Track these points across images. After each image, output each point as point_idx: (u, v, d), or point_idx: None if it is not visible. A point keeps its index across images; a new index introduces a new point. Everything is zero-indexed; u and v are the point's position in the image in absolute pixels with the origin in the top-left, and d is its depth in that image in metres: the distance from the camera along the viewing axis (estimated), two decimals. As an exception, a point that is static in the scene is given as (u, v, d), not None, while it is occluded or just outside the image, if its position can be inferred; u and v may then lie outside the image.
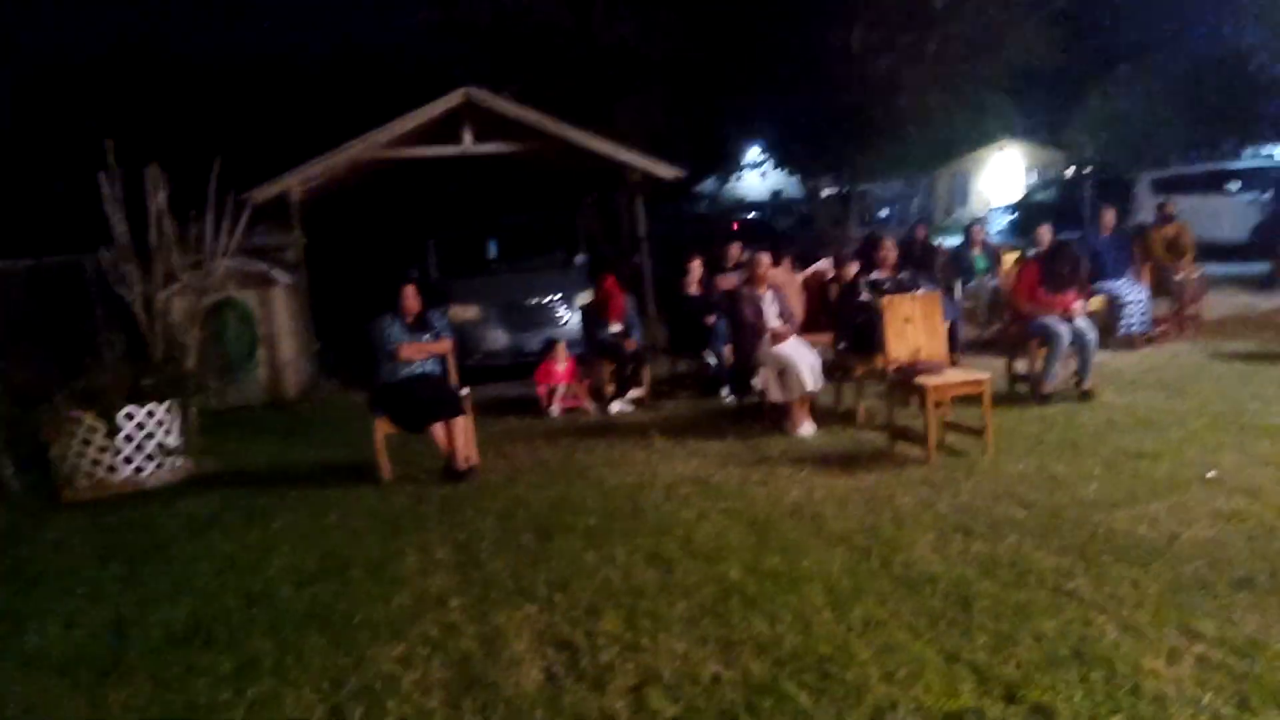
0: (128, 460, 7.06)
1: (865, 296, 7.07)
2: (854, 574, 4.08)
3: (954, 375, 5.99)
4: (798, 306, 8.04)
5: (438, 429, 6.30)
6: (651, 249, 11.86)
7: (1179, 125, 31.35)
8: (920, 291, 6.91)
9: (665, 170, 11.16)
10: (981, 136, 36.29)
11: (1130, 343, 9.13)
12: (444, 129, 10.67)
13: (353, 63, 15.80)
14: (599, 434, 7.32)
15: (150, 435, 7.18)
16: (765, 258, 7.26)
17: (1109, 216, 9.74)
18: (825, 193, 24.01)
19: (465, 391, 6.78)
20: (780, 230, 25.76)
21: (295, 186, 10.24)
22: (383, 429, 6.46)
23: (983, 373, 6.06)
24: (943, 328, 6.34)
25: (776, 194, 42.66)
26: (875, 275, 7.32)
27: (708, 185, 36.35)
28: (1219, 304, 11.14)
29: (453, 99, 10.35)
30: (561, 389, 8.40)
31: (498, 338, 10.46)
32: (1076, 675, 3.07)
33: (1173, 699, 2.90)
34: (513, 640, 3.75)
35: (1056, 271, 7.17)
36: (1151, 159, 27.54)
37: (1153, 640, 3.27)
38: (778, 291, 7.26)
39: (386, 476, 6.40)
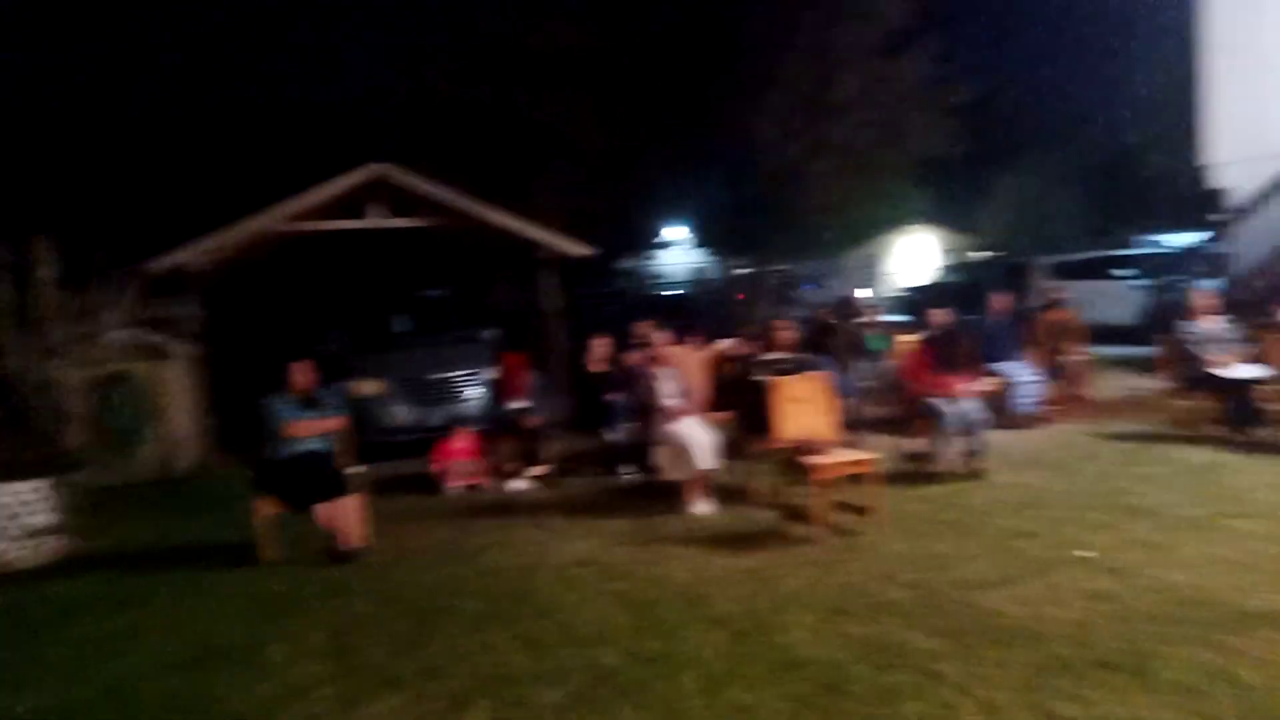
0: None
1: (760, 376, 7.15)
2: (730, 658, 4.06)
3: (841, 455, 6.08)
4: (701, 385, 8.11)
5: (322, 509, 6.14)
6: (573, 325, 11.90)
7: (1078, 213, 33.00)
8: (815, 372, 7.04)
9: (574, 248, 11.27)
10: (893, 220, 37.56)
11: (1021, 422, 9.39)
12: (353, 203, 10.64)
13: (263, 131, 15.67)
14: (495, 513, 7.22)
15: (18, 514, 6.87)
16: (662, 336, 7.34)
17: (1001, 301, 10.10)
18: (738, 272, 24.51)
19: (357, 470, 6.65)
20: (697, 308, 26.15)
21: (194, 258, 10.06)
22: (266, 509, 6.28)
23: (869, 452, 6.17)
24: (834, 407, 6.43)
25: (699, 272, 43.35)
26: (771, 355, 7.43)
27: (632, 261, 36.83)
28: (1108, 385, 11.57)
29: (360, 174, 10.35)
30: (461, 466, 8.29)
31: (402, 413, 10.31)
32: (934, 761, 3.08)
33: (1024, 784, 2.92)
34: (377, 731, 3.63)
35: (946, 354, 7.38)
36: (1053, 245, 28.83)
37: (1012, 724, 3.31)
38: (677, 370, 7.31)
39: (269, 558, 6.19)
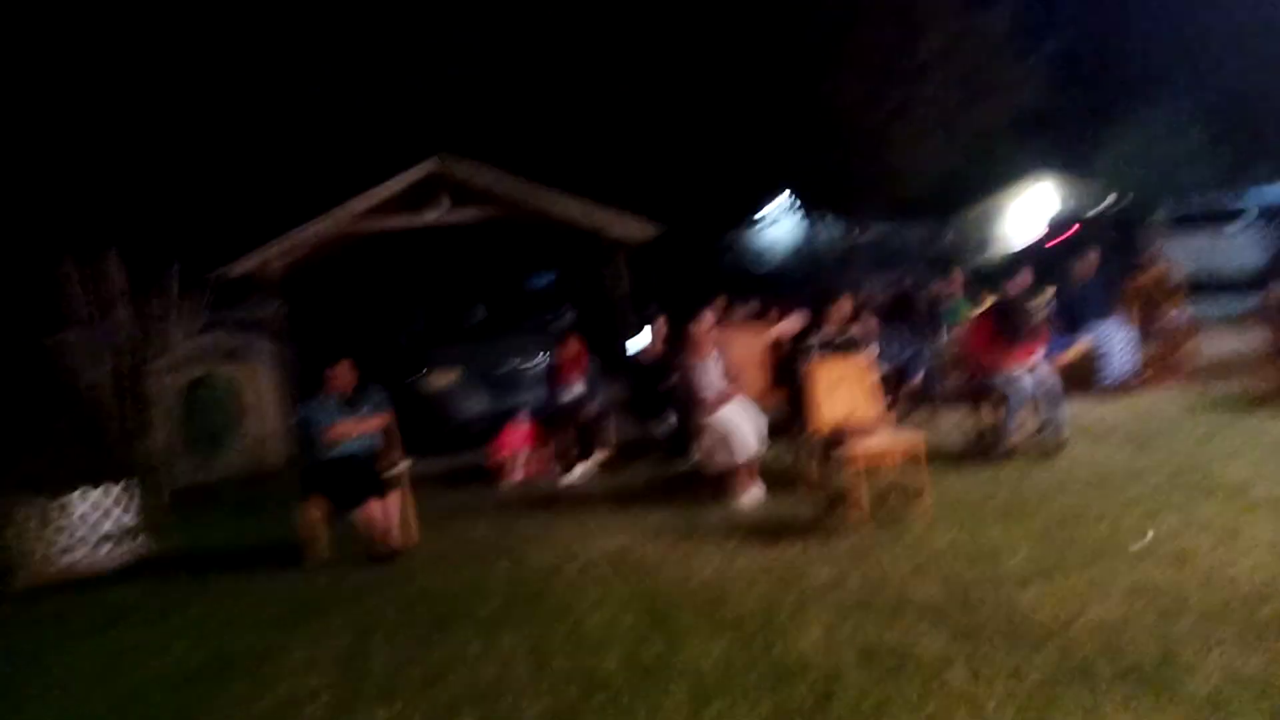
0: (81, 543, 7.08)
1: (812, 355, 6.86)
2: (729, 665, 3.87)
3: (883, 439, 5.76)
4: (752, 367, 7.86)
5: (369, 509, 6.19)
6: (654, 308, 11.76)
7: (1208, 156, 30.77)
8: (866, 351, 6.74)
9: (640, 231, 11.10)
10: (1008, 176, 35.86)
11: (1114, 390, 8.79)
12: (418, 197, 10.71)
13: (319, 128, 15.84)
14: (544, 506, 7.17)
15: (105, 517, 7.20)
16: (704, 320, 7.10)
17: (1090, 260, 9.45)
18: (835, 240, 23.85)
19: (404, 465, 6.69)
20: (793, 280, 25.57)
21: (271, 259, 10.33)
22: (314, 510, 6.37)
23: (915, 434, 5.83)
24: (877, 388, 6.11)
25: (809, 241, 42.46)
26: (825, 331, 7.12)
27: (738, 234, 36.35)
28: (1218, 345, 10.73)
29: (425, 168, 10.42)
30: (521, 457, 8.28)
31: (477, 403, 10.38)
32: (908, 787, 2.84)
33: (1000, 815, 2.66)
34: (359, 746, 3.60)
35: (1009, 322, 6.92)
36: (1182, 192, 26.98)
37: (1006, 743, 3.03)
38: (721, 354, 7.08)
39: (317, 559, 6.29)
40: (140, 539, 7.38)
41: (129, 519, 7.36)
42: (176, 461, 9.80)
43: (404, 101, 15.89)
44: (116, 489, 7.34)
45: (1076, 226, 21.37)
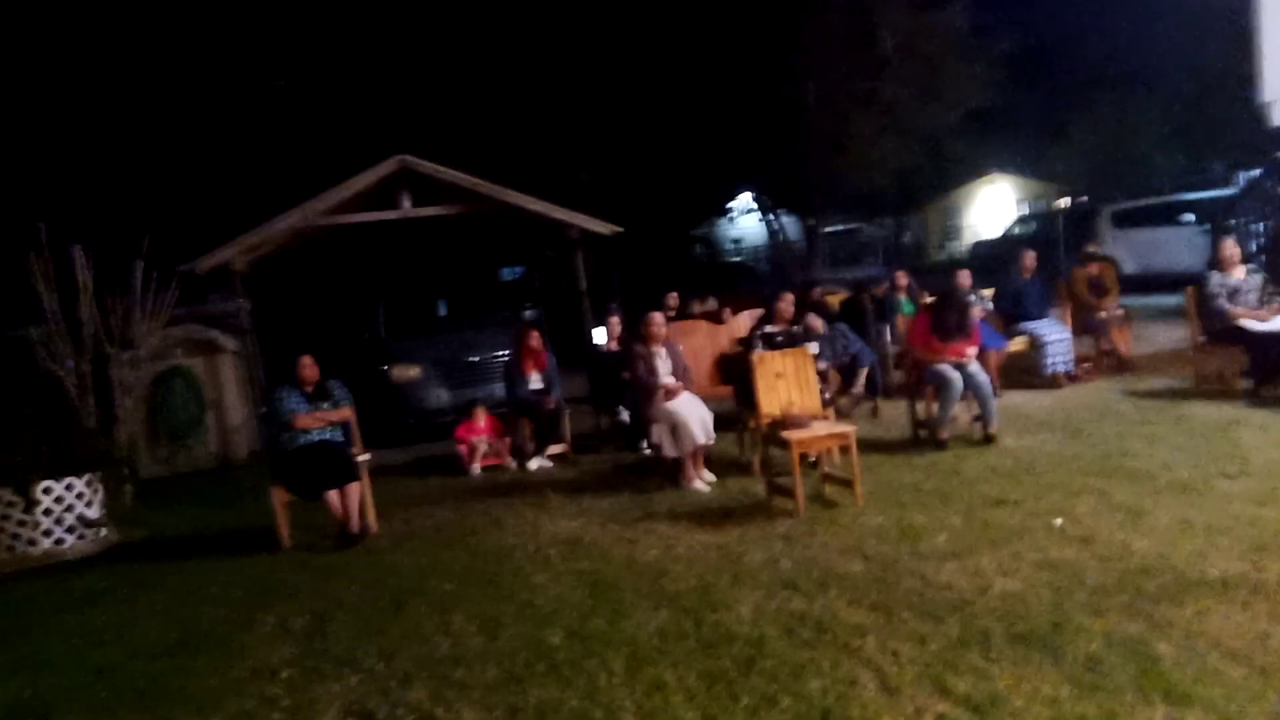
0: (46, 534, 7.26)
1: (758, 349, 7.19)
2: (664, 635, 4.19)
3: (820, 428, 6.10)
4: (703, 360, 8.18)
5: (331, 496, 6.45)
6: (620, 300, 12.04)
7: (1166, 153, 31.47)
8: (812, 345, 7.07)
9: (600, 227, 11.37)
10: (968, 172, 36.52)
11: (1053, 382, 9.21)
12: (382, 194, 10.92)
13: (289, 125, 16.01)
14: (504, 493, 7.45)
15: (69, 508, 7.38)
16: (656, 315, 7.41)
17: (1029, 258, 9.86)
18: (795, 237, 24.30)
19: (364, 457, 6.95)
20: (760, 274, 25.98)
21: (236, 256, 10.49)
22: (280, 497, 6.61)
23: (849, 426, 6.17)
24: (815, 381, 6.45)
25: (774, 235, 43.02)
26: (769, 328, 7.45)
27: (706, 229, 36.72)
28: (1159, 338, 11.22)
29: (387, 166, 10.61)
30: (482, 447, 8.55)
31: (440, 395, 10.63)
32: (812, 737, 3.17)
33: (890, 760, 2.99)
34: (321, 712, 3.87)
35: (944, 320, 7.29)
36: (1139, 188, 27.54)
37: (904, 699, 3.36)
38: (671, 348, 7.40)
39: (286, 544, 6.54)
40: (106, 529, 7.58)
41: (95, 510, 7.55)
42: (143, 454, 9.99)
43: (368, 103, 16.05)
44: (82, 481, 7.52)
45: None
